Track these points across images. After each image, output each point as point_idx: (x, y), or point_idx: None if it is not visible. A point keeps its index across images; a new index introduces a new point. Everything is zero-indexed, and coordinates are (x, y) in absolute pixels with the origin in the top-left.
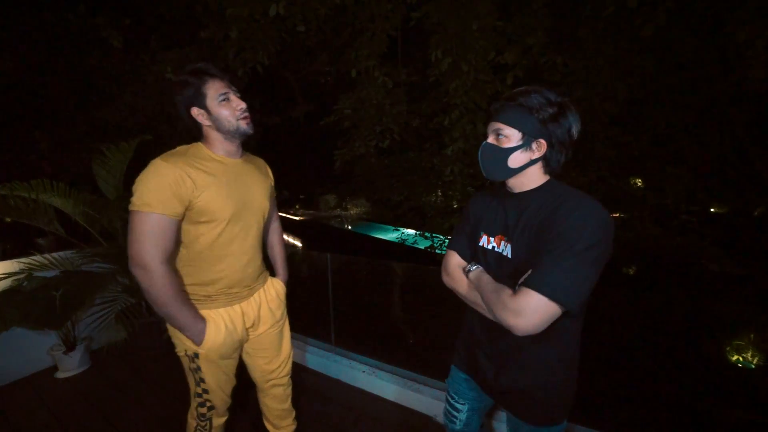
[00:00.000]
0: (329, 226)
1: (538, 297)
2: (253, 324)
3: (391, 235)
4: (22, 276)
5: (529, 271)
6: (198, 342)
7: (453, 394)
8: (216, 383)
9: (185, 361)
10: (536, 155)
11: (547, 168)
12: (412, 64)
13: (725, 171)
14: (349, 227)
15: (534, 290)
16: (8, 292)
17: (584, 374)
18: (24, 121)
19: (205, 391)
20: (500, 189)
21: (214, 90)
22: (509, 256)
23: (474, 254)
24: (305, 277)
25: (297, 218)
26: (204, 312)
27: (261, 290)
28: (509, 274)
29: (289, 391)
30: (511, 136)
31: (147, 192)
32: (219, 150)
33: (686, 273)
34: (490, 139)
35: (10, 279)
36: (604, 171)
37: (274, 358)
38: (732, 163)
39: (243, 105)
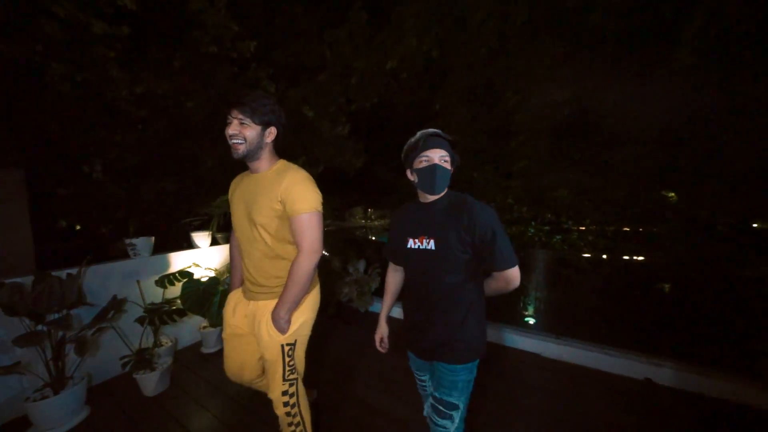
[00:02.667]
0: (355, 237)
1: (516, 268)
2: (248, 324)
3: None
4: None
5: (495, 254)
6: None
7: (416, 370)
8: (224, 344)
9: None
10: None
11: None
12: (483, 100)
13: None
14: (373, 237)
15: (511, 267)
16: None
17: None
18: (198, 142)
19: None
20: (412, 203)
21: (227, 116)
22: (433, 248)
23: (402, 254)
24: None
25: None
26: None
27: (261, 304)
28: (434, 262)
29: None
30: (449, 161)
31: None
32: (250, 166)
33: (723, 281)
34: (439, 162)
35: None
36: (638, 186)
37: (268, 383)
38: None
39: (231, 131)
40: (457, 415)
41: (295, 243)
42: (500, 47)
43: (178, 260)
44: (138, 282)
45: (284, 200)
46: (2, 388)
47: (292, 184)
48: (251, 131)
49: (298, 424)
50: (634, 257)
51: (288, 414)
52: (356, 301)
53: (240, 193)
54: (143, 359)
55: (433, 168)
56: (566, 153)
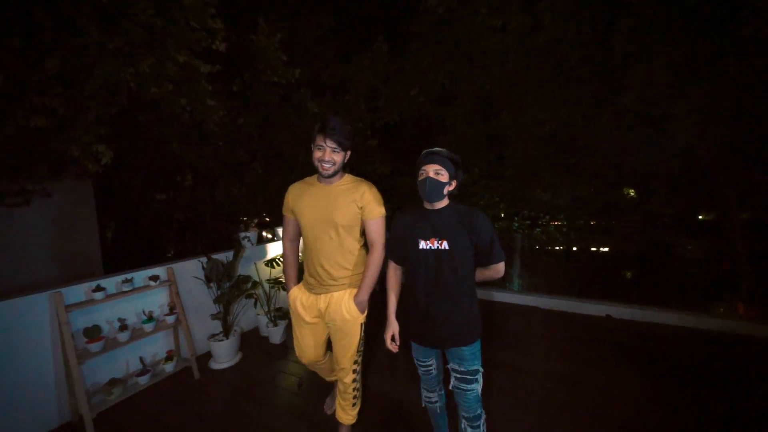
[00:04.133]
0: None
1: (503, 262)
2: (319, 314)
3: None
4: None
5: (492, 252)
6: (288, 293)
7: (421, 358)
8: (296, 334)
9: None
10: (450, 188)
11: (450, 196)
12: (482, 118)
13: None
14: None
15: (502, 261)
16: None
17: None
18: (249, 153)
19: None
20: (418, 210)
21: (318, 140)
22: (447, 248)
23: (412, 254)
24: None
25: None
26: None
27: (336, 295)
28: (447, 259)
29: (348, 396)
30: (444, 175)
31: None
32: (319, 179)
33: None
34: (432, 175)
35: None
36: (601, 186)
37: (336, 360)
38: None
39: (326, 158)
40: (480, 376)
41: (370, 240)
42: (500, 80)
43: (272, 249)
44: (255, 264)
45: (363, 206)
46: (204, 330)
47: (369, 193)
48: (339, 156)
49: (357, 390)
50: (600, 248)
51: (354, 381)
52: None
53: (311, 200)
54: (283, 313)
55: (425, 180)
56: (546, 160)
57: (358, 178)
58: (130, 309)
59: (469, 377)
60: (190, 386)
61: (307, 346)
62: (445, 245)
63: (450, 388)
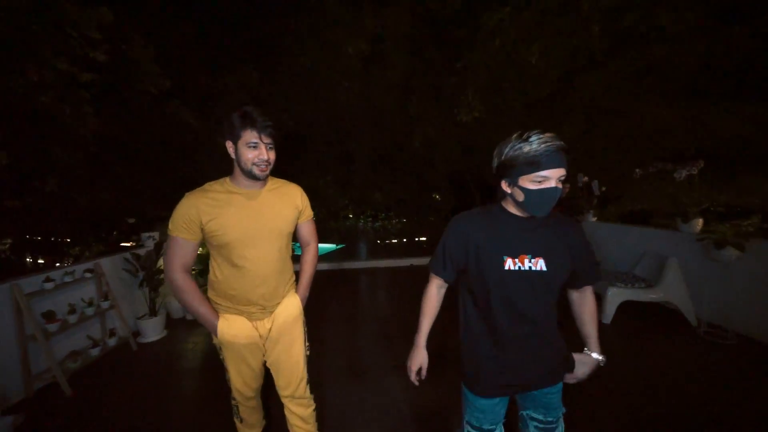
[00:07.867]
0: None
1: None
2: (268, 333)
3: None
4: None
5: (591, 268)
6: (214, 333)
7: (486, 427)
8: (235, 369)
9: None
10: None
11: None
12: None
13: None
14: None
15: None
16: None
17: None
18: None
19: (229, 378)
20: (493, 216)
21: (247, 136)
22: (544, 269)
23: (488, 278)
24: None
25: None
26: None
27: (279, 308)
28: (542, 284)
29: (310, 411)
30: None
31: (173, 220)
32: (240, 183)
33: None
34: (558, 184)
35: None
36: (411, 192)
37: (286, 375)
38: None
39: (265, 157)
40: (562, 420)
41: (305, 241)
42: (348, 119)
43: None
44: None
45: (303, 209)
46: (133, 311)
47: (305, 195)
48: (273, 154)
49: (313, 401)
50: (420, 238)
51: (310, 392)
52: None
53: (241, 211)
54: None
55: (552, 191)
56: (381, 172)
57: (280, 179)
58: (74, 297)
59: (553, 426)
60: (131, 355)
61: (255, 372)
62: (541, 265)
63: None
